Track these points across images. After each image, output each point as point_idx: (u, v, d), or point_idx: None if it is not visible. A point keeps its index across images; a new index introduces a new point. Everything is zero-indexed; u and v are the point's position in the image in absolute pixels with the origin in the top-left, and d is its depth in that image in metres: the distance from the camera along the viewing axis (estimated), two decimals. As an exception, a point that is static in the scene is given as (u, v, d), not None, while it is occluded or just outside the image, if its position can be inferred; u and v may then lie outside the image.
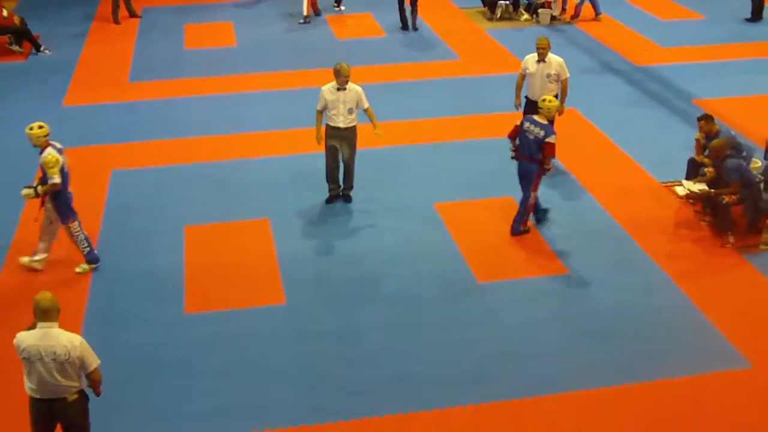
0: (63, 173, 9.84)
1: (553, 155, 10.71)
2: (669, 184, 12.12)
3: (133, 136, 14.01)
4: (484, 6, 20.86)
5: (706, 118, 11.75)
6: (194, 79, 16.58)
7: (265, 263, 10.45)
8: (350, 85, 11.35)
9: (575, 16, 20.13)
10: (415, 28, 19.49)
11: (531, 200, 10.91)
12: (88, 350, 6.85)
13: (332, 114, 11.37)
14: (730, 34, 19.03)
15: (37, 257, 10.29)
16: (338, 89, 11.29)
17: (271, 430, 7.90)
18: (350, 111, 11.37)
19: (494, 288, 10.03)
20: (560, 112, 12.50)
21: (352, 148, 11.60)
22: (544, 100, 10.76)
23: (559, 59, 12.56)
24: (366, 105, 11.47)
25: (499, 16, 20.40)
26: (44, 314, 6.77)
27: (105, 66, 17.42)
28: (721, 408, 8.15)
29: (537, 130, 10.63)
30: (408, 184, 12.23)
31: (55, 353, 6.72)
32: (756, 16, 19.87)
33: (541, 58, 12.45)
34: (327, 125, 11.49)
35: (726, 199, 10.77)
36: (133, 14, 20.52)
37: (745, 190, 10.79)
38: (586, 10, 20.15)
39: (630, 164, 12.89)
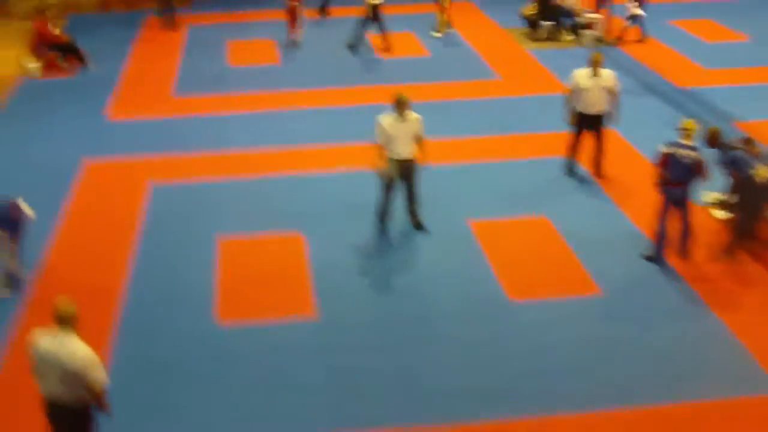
0: None
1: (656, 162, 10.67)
2: (708, 206, 11.97)
3: (174, 150, 14.21)
4: (528, 26, 20.86)
5: (747, 141, 11.60)
6: (237, 96, 16.77)
7: (297, 277, 10.51)
8: (410, 114, 11.07)
9: (620, 38, 20.02)
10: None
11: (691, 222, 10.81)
12: (94, 366, 6.78)
13: (393, 146, 10.99)
14: (775, 56, 18.83)
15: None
16: (398, 119, 10.99)
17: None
18: (411, 143, 11.06)
19: (526, 307, 9.98)
20: (614, 121, 12.95)
21: (416, 181, 11.35)
22: (685, 126, 10.52)
23: (611, 71, 12.82)
24: (422, 133, 11.15)
25: (543, 37, 20.38)
26: (60, 321, 6.80)
27: (149, 81, 17.72)
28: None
29: (690, 152, 10.38)
30: (444, 201, 12.23)
31: (61, 362, 6.74)
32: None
33: (596, 73, 12.59)
34: (389, 158, 11.04)
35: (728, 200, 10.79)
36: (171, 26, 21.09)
37: (743, 190, 10.69)
38: (630, 33, 20.03)
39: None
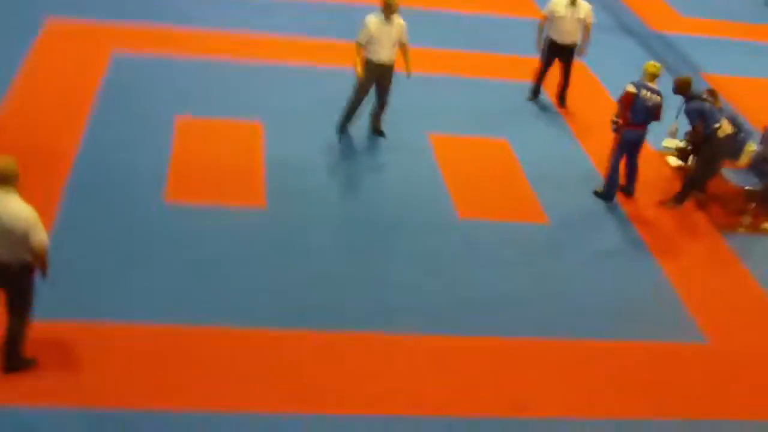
0: None
1: (618, 102, 10.74)
2: (664, 153, 12.13)
3: (141, 18, 13.86)
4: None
5: (711, 93, 11.70)
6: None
7: (251, 165, 10.46)
8: (396, 18, 10.87)
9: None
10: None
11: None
12: (36, 225, 6.65)
13: (376, 48, 10.84)
14: (753, 14, 18.87)
15: None
16: (385, 23, 10.83)
17: (231, 328, 7.99)
18: (394, 45, 10.94)
19: (473, 226, 10.09)
20: (582, 54, 12.99)
21: (390, 84, 11.24)
22: (651, 68, 10.62)
23: (588, 5, 12.76)
24: (406, 40, 11.03)
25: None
26: (0, 180, 6.62)
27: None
28: (671, 377, 8.29)
29: (654, 96, 10.47)
30: (406, 111, 12.17)
31: (2, 221, 6.59)
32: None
33: (573, 3, 12.56)
34: (367, 61, 10.90)
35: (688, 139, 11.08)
36: None
37: (704, 142, 10.82)
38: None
39: (629, 127, 12.87)
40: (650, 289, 9.51)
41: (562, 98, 13.22)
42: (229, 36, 13.77)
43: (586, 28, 12.77)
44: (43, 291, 7.31)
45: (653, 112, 10.52)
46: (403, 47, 11.07)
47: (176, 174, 10.11)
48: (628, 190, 11.06)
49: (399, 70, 11.25)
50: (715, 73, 15.18)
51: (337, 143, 11.29)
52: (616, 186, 10.92)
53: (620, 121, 10.64)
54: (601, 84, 14.20)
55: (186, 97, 11.74)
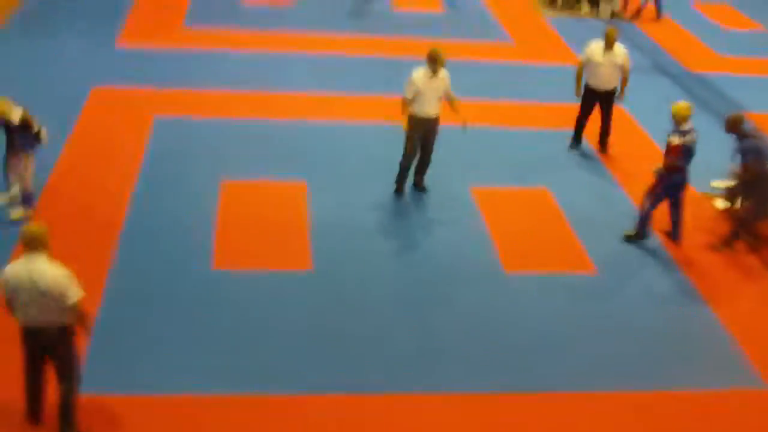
0: None
1: (669, 155, 10.48)
2: (709, 194, 12.03)
3: (181, 83, 14.13)
4: (546, -7, 20.72)
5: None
6: (248, 33, 16.65)
7: (297, 226, 10.52)
8: (443, 72, 10.86)
9: (637, 14, 19.91)
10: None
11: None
12: (69, 285, 6.71)
13: (422, 102, 10.79)
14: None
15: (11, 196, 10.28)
16: (431, 77, 10.78)
17: (275, 395, 7.99)
18: (439, 101, 10.92)
19: (519, 279, 10.05)
20: (621, 99, 12.94)
21: (435, 139, 11.22)
22: (685, 108, 10.38)
23: (624, 49, 12.76)
24: (453, 94, 11.00)
25: (560, 4, 20.24)
26: (29, 244, 6.70)
27: (160, 9, 17.57)
28: (726, 426, 8.14)
29: (692, 135, 10.36)
30: (447, 165, 12.23)
31: (34, 284, 6.66)
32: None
33: (609, 48, 12.53)
34: (413, 116, 10.88)
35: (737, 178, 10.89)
36: None
37: (755, 181, 10.72)
38: (648, 10, 19.92)
39: (671, 170, 12.80)
40: (704, 336, 9.37)
41: (603, 145, 13.17)
42: (269, 96, 13.97)
43: (624, 73, 12.74)
44: (93, 363, 7.39)
45: (693, 152, 10.48)
46: (451, 100, 11.04)
47: (222, 240, 10.19)
48: (677, 238, 10.95)
49: (445, 125, 11.29)
50: (755, 112, 15.06)
51: (381, 201, 11.32)
52: (647, 227, 10.83)
53: (667, 169, 10.53)
54: (639, 126, 14.15)
55: (229, 159, 11.88)
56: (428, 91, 10.77)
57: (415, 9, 19.19)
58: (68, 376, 7.14)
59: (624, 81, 12.82)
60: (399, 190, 11.42)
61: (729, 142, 13.13)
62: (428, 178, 11.70)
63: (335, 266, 9.93)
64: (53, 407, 7.21)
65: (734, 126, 10.85)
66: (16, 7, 16.76)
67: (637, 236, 10.86)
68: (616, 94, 12.87)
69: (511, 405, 8.15)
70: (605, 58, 12.56)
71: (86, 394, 7.34)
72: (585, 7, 20.21)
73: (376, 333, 8.93)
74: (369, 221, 10.90)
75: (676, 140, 10.38)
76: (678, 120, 10.41)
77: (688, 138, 10.35)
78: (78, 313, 6.86)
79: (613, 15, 19.92)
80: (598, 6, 20.11)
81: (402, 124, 10.99)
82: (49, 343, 6.98)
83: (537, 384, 8.41)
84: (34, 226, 6.79)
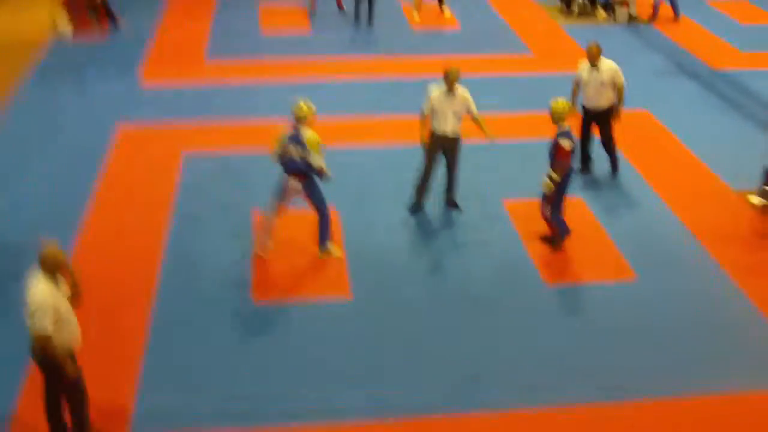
0: None
1: (562, 159, 10.22)
2: (745, 192, 11.90)
3: (206, 118, 14.19)
4: (561, 2, 20.67)
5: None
6: (270, 63, 16.72)
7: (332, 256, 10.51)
8: (460, 89, 10.89)
9: (653, 16, 19.83)
10: (371, 25, 19.00)
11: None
12: (37, 311, 6.70)
13: (438, 119, 10.86)
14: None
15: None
16: (447, 94, 10.86)
17: (320, 424, 7.96)
18: (458, 120, 10.91)
19: (561, 291, 9.98)
20: (617, 119, 12.23)
21: (457, 158, 11.20)
22: (563, 106, 10.25)
23: (613, 65, 12.00)
24: (474, 110, 10.97)
25: (576, 12, 20.21)
26: (40, 264, 6.82)
27: (181, 44, 17.74)
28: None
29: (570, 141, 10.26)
30: (478, 179, 12.19)
31: (27, 304, 6.80)
32: (841, 23, 19.37)
33: (593, 65, 11.99)
34: (432, 132, 10.93)
35: None
36: None
37: None
38: (665, 10, 19.84)
39: (703, 170, 12.70)
40: (752, 337, 9.25)
41: (611, 163, 12.49)
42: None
43: (617, 90, 12.07)
44: (144, 402, 7.38)
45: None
46: (473, 117, 11.00)
47: (261, 272, 10.18)
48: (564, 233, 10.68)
49: (472, 139, 11.25)
50: (784, 106, 14.96)
51: (414, 223, 11.28)
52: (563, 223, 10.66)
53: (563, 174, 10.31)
54: (669, 131, 14.03)
55: (261, 191, 11.84)
56: (444, 108, 10.78)
57: (433, 28, 19.21)
58: (70, 405, 7.18)
59: (618, 98, 12.06)
60: (415, 207, 11.38)
61: (758, 141, 13.11)
62: (461, 194, 11.65)
63: (373, 292, 9.89)
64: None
65: None
66: (32, 65, 16.86)
67: (557, 240, 10.66)
68: (611, 113, 12.14)
69: (566, 419, 8.06)
70: (591, 76, 11.99)
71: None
72: (601, 14, 20.15)
73: (422, 358, 8.86)
74: (404, 244, 10.86)
75: (567, 144, 10.13)
76: (558, 118, 10.19)
77: (573, 137, 10.19)
78: (35, 342, 6.81)
79: (631, 19, 19.84)
80: (614, 11, 20.05)
81: (421, 141, 11.00)
82: (41, 367, 6.99)
83: (596, 396, 8.33)
84: (51, 248, 6.82)
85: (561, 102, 10.28)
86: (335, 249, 10.39)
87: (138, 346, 8.84)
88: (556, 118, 10.25)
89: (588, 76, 12.02)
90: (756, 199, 11.60)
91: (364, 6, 19.01)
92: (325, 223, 10.27)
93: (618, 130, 12.94)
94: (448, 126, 10.90)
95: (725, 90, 15.85)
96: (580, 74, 12.15)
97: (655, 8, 19.79)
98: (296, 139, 9.87)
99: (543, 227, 10.96)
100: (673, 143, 13.62)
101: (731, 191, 12.05)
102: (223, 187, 12.07)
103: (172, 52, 17.29)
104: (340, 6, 20.02)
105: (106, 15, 18.43)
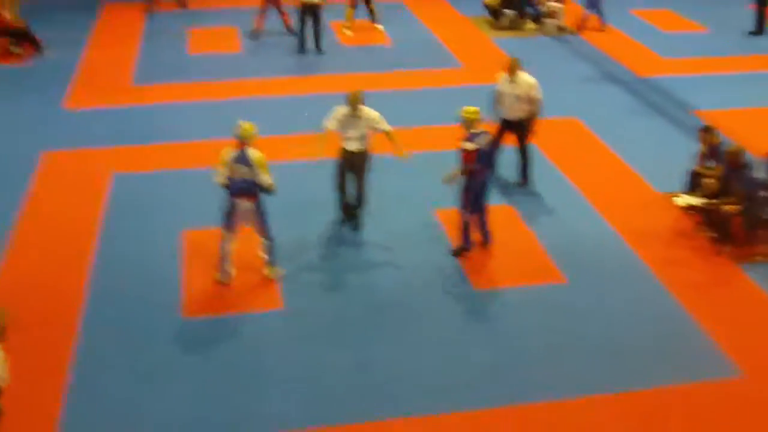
0: None
1: (466, 162, 10.45)
2: (669, 194, 12.11)
3: (134, 140, 14.06)
4: (490, 15, 20.91)
5: (707, 130, 11.78)
6: (198, 84, 16.64)
7: (261, 268, 10.44)
8: (364, 110, 11.02)
9: (581, 26, 20.16)
10: (320, 51, 18.52)
11: None
12: None
13: (343, 137, 11.10)
14: (733, 46, 19.11)
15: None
16: (351, 116, 11.00)
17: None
18: (363, 138, 11.09)
19: (491, 295, 10.04)
20: (532, 133, 12.38)
21: (364, 175, 11.29)
22: (471, 113, 10.47)
23: (530, 80, 12.17)
24: (386, 128, 11.09)
25: (504, 24, 20.45)
26: None
27: (107, 69, 17.53)
28: (712, 416, 8.15)
29: (484, 138, 10.49)
30: (410, 191, 12.24)
31: None
32: (759, 29, 19.87)
33: (511, 79, 12.19)
34: (341, 149, 11.19)
35: (728, 210, 10.77)
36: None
37: (750, 202, 10.78)
38: (592, 20, 20.19)
39: (630, 174, 12.90)
40: (678, 332, 9.39)
41: (523, 176, 12.58)
42: (221, 143, 13.81)
43: (532, 105, 12.17)
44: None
45: (490, 154, 10.63)
46: (387, 134, 11.12)
47: (190, 288, 10.09)
48: (486, 240, 10.88)
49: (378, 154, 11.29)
50: (706, 109, 15.25)
51: (347, 234, 11.30)
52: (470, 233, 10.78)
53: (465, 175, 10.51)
54: (596, 137, 14.24)
55: (189, 210, 11.80)
56: (347, 128, 11.04)
57: (363, 43, 19.30)
58: None
59: (533, 111, 12.19)
60: (343, 221, 11.53)
61: (681, 145, 13.40)
62: (392, 205, 11.74)
63: (304, 302, 9.88)
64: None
65: (737, 161, 10.91)
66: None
67: (462, 249, 10.76)
68: (527, 125, 12.29)
69: (496, 420, 8.10)
70: (508, 88, 12.19)
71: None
72: (530, 25, 20.43)
73: (355, 363, 8.87)
74: (335, 255, 10.88)
75: (469, 146, 10.38)
76: (468, 125, 10.43)
77: (480, 141, 10.39)
78: None
79: (559, 30, 20.15)
80: (542, 23, 20.34)
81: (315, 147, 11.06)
82: None
83: (517, 397, 8.37)
84: None
85: (469, 109, 10.50)
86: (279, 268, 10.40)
87: (59, 382, 8.54)
88: (464, 124, 10.46)
89: (505, 88, 12.25)
90: (680, 201, 11.79)
91: (309, 29, 18.48)
92: (273, 243, 10.26)
93: (548, 137, 13.14)
94: (353, 145, 11.10)
95: (649, 96, 16.16)
96: (498, 84, 12.38)
97: (584, 19, 20.14)
98: (243, 159, 9.80)
99: (475, 236, 11.03)
100: (601, 149, 13.83)
101: (657, 194, 12.24)
102: (152, 207, 11.94)
103: (98, 77, 17.11)
104: (288, 27, 19.66)
105: (29, 42, 18.16)
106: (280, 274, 10.29)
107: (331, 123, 11.13)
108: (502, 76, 12.34)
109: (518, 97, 12.15)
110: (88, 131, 14.40)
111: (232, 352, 9.07)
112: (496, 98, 12.40)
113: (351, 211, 11.52)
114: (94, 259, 10.64)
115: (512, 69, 12.17)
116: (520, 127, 12.37)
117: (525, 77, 12.23)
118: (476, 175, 10.50)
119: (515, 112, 12.23)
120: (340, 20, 20.30)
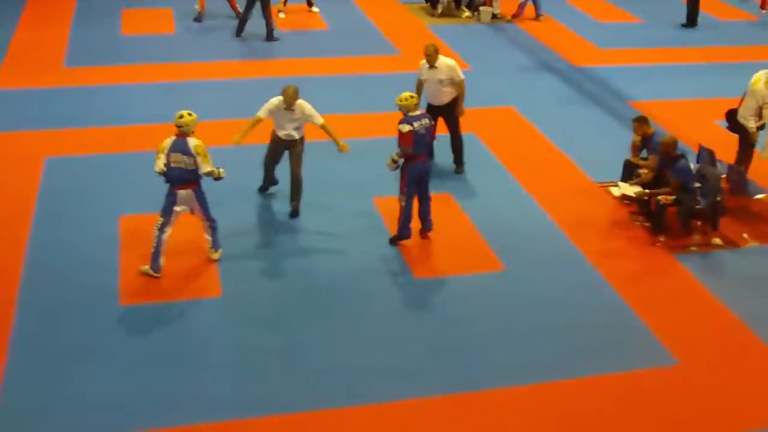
0: None
1: (402, 144, 10.48)
2: (604, 184, 12.29)
3: (68, 123, 13.76)
4: (426, 2, 20.93)
5: (641, 120, 11.94)
6: (131, 66, 16.34)
7: (200, 255, 10.32)
8: (299, 104, 10.98)
9: (517, 14, 20.31)
10: (273, 38, 18.18)
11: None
12: None
13: (277, 126, 11.19)
14: (666, 38, 19.44)
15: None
16: (286, 110, 10.98)
17: (200, 424, 7.81)
18: (297, 128, 11.13)
19: (430, 283, 10.07)
20: (460, 113, 12.50)
21: (299, 159, 11.27)
22: (409, 98, 10.50)
23: (450, 63, 12.35)
24: (319, 122, 11.10)
25: (440, 12, 20.50)
26: None
27: (38, 50, 17.11)
28: (648, 404, 8.29)
29: (424, 122, 10.50)
30: (349, 178, 12.21)
31: None
32: (691, 22, 20.28)
33: (431, 65, 12.29)
34: (274, 133, 11.26)
35: (662, 200, 10.97)
36: None
37: (684, 193, 10.99)
38: (528, 9, 20.36)
39: (567, 164, 13.05)
40: (615, 321, 9.53)
41: (457, 162, 12.73)
42: (156, 127, 13.64)
43: (457, 87, 12.34)
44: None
45: (426, 139, 10.64)
46: (322, 127, 11.13)
47: (127, 275, 9.93)
48: (427, 228, 10.96)
49: (345, 138, 11.23)
50: (640, 100, 15.50)
51: (285, 221, 11.22)
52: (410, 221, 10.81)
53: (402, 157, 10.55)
54: (532, 125, 14.37)
55: (126, 194, 11.60)
56: (281, 119, 11.10)
57: (300, 28, 19.16)
58: None
59: (459, 93, 12.36)
60: (260, 189, 11.87)
61: (616, 134, 13.60)
62: (331, 193, 11.71)
63: (242, 288, 9.82)
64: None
65: (670, 151, 11.03)
66: None
67: (400, 237, 10.80)
68: (454, 108, 12.42)
69: (437, 408, 8.13)
70: (429, 74, 12.31)
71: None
72: (465, 13, 20.51)
73: (292, 350, 8.84)
74: (271, 242, 10.83)
75: (405, 128, 10.42)
76: (405, 110, 10.50)
77: (417, 125, 10.47)
78: None
79: (495, 18, 20.27)
80: (478, 11, 20.43)
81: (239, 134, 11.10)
82: None
83: (458, 385, 8.42)
84: None
85: (403, 96, 10.55)
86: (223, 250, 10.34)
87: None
88: (401, 108, 10.52)
89: (426, 75, 12.36)
90: (615, 190, 11.96)
91: (253, 14, 18.12)
92: (216, 228, 10.20)
93: (484, 125, 13.23)
94: (284, 133, 11.17)
95: (585, 85, 16.36)
96: (421, 73, 12.45)
97: (521, 7, 20.28)
98: (182, 148, 9.64)
99: (414, 223, 11.06)
100: (537, 137, 13.96)
101: (592, 183, 12.42)
102: (88, 192, 11.71)
103: (28, 59, 16.68)
104: (235, 10, 19.34)
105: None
106: (219, 256, 10.25)
107: (264, 113, 11.09)
108: (422, 64, 12.44)
109: (441, 81, 12.29)
110: (21, 114, 14.03)
111: (168, 337, 8.98)
112: (419, 87, 12.49)
113: (270, 185, 11.79)
114: (28, 245, 10.41)
115: (431, 55, 12.26)
116: (449, 111, 12.47)
117: (444, 60, 12.39)
118: (415, 160, 10.47)
119: (441, 96, 12.37)
120: (273, 5, 20.10)
